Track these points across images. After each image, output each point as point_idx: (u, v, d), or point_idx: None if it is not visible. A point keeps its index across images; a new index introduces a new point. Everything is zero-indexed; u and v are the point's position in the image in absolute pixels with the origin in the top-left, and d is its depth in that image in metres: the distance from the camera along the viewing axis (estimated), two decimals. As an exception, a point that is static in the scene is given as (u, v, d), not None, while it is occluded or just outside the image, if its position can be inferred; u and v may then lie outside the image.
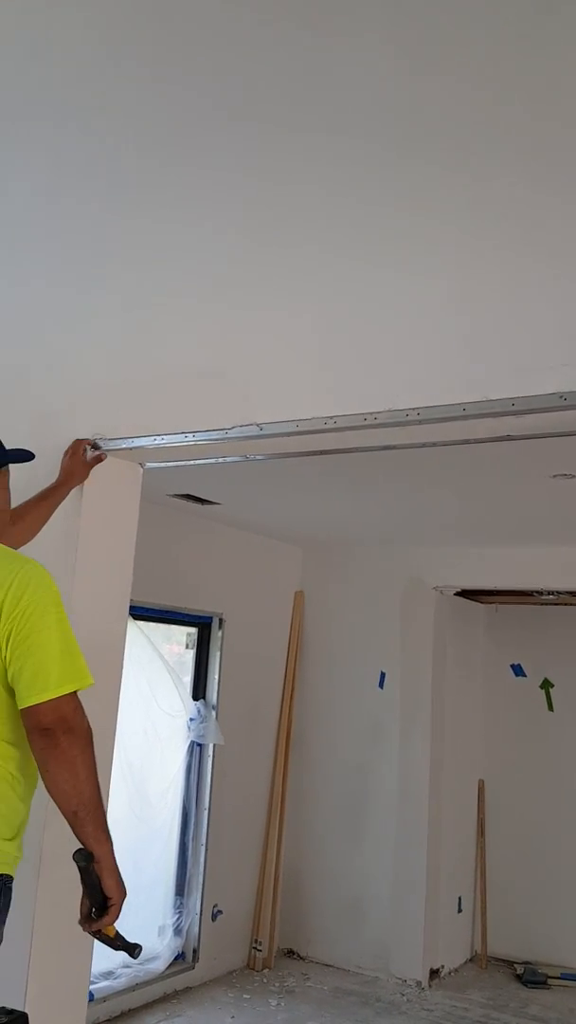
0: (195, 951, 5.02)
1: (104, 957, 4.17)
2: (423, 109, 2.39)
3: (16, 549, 2.27)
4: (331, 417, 2.36)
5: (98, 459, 2.81)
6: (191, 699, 5.12)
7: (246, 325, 2.61)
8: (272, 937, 5.45)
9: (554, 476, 3.41)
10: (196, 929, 5.03)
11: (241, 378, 2.58)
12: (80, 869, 1.93)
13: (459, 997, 5.15)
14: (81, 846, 1.93)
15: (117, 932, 1.98)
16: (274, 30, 2.71)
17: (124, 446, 2.77)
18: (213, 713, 5.15)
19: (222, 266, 2.69)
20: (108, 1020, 4.44)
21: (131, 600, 2.98)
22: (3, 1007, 1.94)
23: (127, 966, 4.56)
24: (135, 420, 2.76)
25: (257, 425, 2.49)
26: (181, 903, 5.02)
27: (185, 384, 2.70)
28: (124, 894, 1.95)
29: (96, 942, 2.05)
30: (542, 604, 5.76)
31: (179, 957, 4.98)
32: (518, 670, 6.10)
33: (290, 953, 5.62)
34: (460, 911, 5.78)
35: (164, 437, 2.67)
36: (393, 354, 2.33)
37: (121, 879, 1.95)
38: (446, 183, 2.31)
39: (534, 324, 2.13)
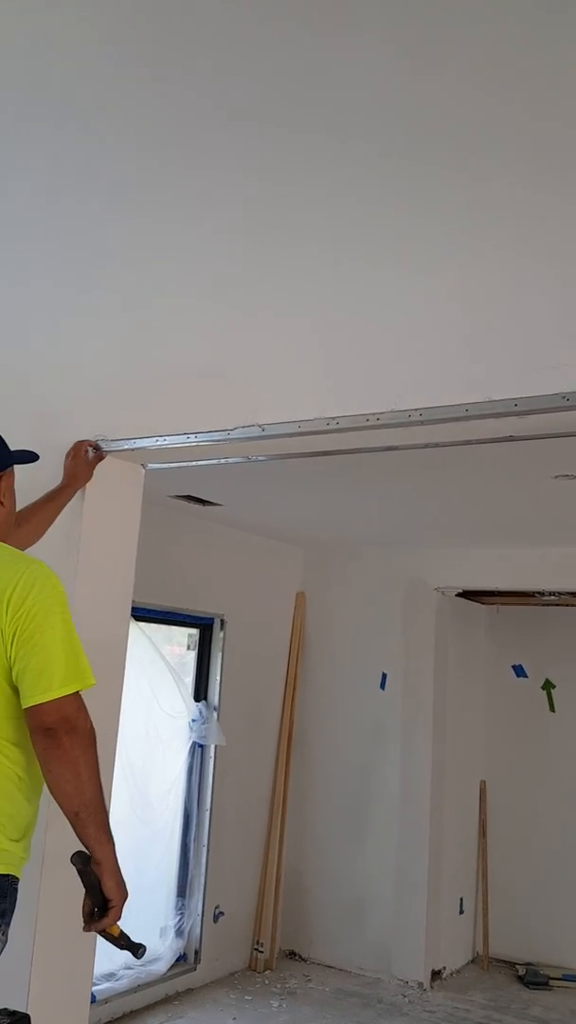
0: (197, 952, 5.01)
1: (106, 958, 4.18)
2: (423, 109, 2.39)
3: (22, 551, 2.27)
4: (333, 418, 2.36)
5: (99, 458, 2.81)
6: (193, 700, 5.11)
7: (247, 325, 2.60)
8: (274, 938, 5.44)
9: (556, 477, 3.40)
10: (198, 930, 5.03)
11: (243, 379, 2.58)
12: (78, 872, 1.93)
13: (461, 998, 5.15)
14: (79, 848, 1.93)
15: (122, 931, 1.99)
16: (274, 30, 2.71)
17: (126, 447, 2.76)
18: (215, 714, 5.15)
19: (222, 266, 2.69)
20: (110, 1021, 4.43)
21: (133, 601, 2.98)
22: (5, 1008, 1.94)
23: (129, 967, 4.56)
24: (136, 421, 2.76)
25: (259, 426, 2.48)
26: (183, 904, 5.02)
27: (186, 385, 2.70)
28: (125, 895, 1.95)
29: (100, 940, 2.06)
30: (543, 605, 5.76)
31: (181, 958, 4.98)
32: (519, 671, 6.10)
33: (292, 954, 5.62)
34: (462, 912, 5.78)
35: (166, 438, 2.67)
36: (395, 355, 2.32)
37: (122, 880, 1.95)
38: (446, 183, 2.31)
39: (536, 324, 2.13)
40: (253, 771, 5.51)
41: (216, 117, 2.77)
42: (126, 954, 2.03)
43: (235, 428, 2.53)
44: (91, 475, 2.80)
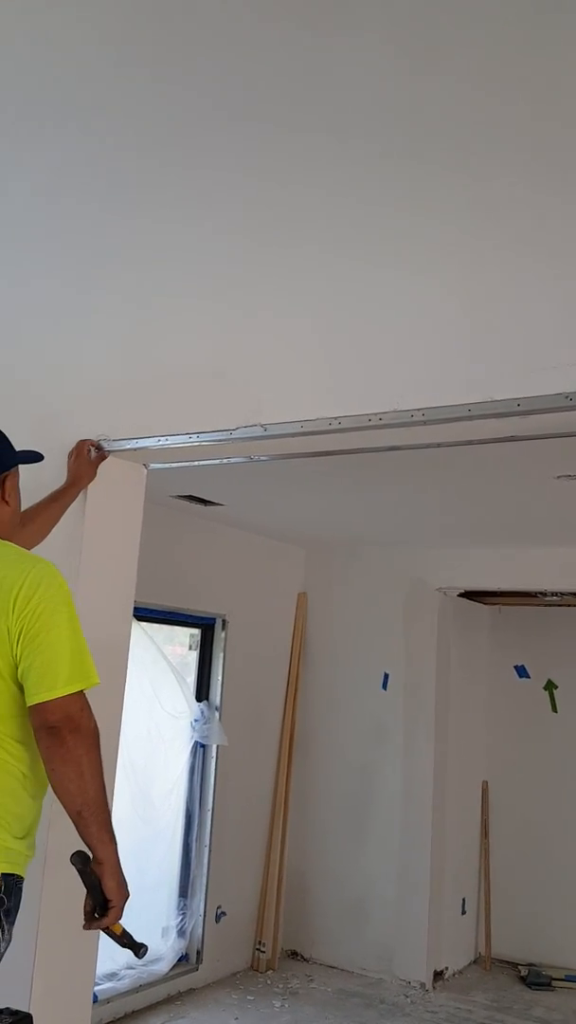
0: (199, 952, 5.02)
1: (108, 958, 4.18)
2: (423, 109, 2.39)
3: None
4: (336, 418, 2.36)
5: (102, 458, 2.81)
6: (194, 700, 5.11)
7: (248, 325, 2.60)
8: (276, 938, 5.44)
9: (558, 477, 3.40)
10: (200, 930, 5.03)
11: (245, 379, 2.58)
12: (78, 871, 1.93)
13: (463, 999, 5.14)
14: (79, 848, 1.93)
15: (124, 930, 2.00)
16: (274, 30, 2.71)
17: (128, 447, 2.76)
18: (216, 714, 5.15)
19: (223, 266, 2.69)
20: (112, 1022, 4.43)
21: (135, 601, 2.98)
22: (8, 1008, 1.95)
23: (131, 967, 4.57)
24: (139, 421, 2.76)
25: (261, 426, 2.48)
26: (185, 904, 5.02)
27: (188, 385, 2.70)
28: (126, 896, 1.95)
29: (102, 940, 2.06)
30: (546, 605, 5.76)
31: (183, 959, 4.98)
32: (522, 671, 6.09)
33: (294, 954, 5.62)
34: (464, 913, 5.77)
35: (168, 438, 2.67)
36: (398, 355, 2.32)
37: (123, 880, 1.95)
38: (446, 183, 2.31)
39: (539, 324, 2.13)
40: (255, 771, 5.51)
41: (216, 117, 2.77)
42: (128, 954, 2.04)
43: (237, 428, 2.53)
44: (95, 475, 2.80)
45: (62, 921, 2.50)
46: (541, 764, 5.91)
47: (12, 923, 1.92)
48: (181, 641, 5.30)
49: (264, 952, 5.37)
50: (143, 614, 4.64)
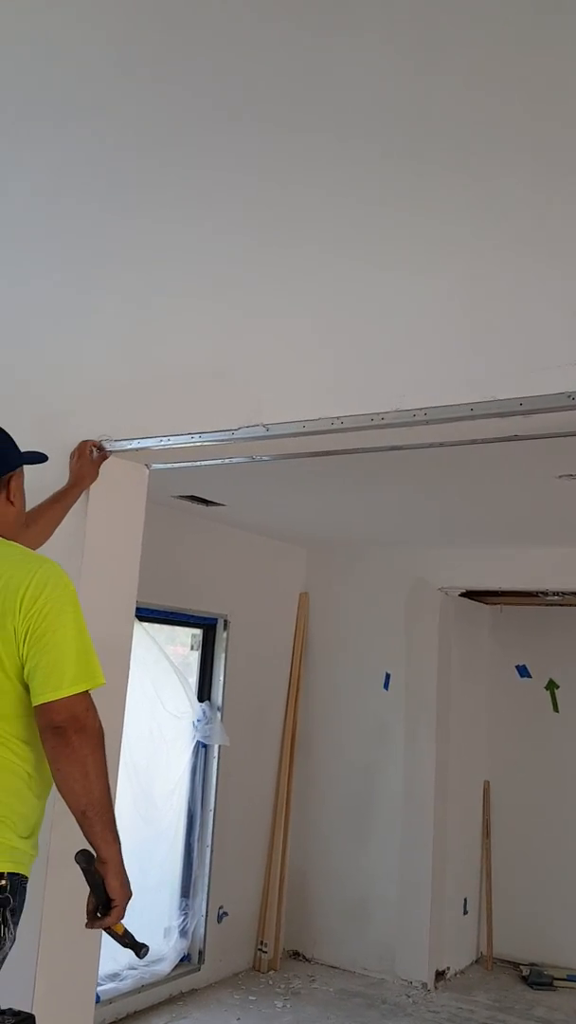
0: (201, 953, 5.02)
1: (110, 959, 4.18)
2: (424, 109, 2.38)
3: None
4: (338, 418, 2.35)
5: (103, 458, 2.81)
6: (196, 700, 5.11)
7: (248, 325, 2.60)
8: (277, 939, 5.44)
9: (559, 477, 3.40)
10: (202, 931, 5.03)
11: (247, 379, 2.57)
12: (82, 870, 1.93)
13: (465, 999, 5.14)
14: (83, 847, 1.93)
15: (126, 929, 2.00)
16: (274, 30, 2.71)
17: (130, 447, 2.76)
18: (218, 714, 5.15)
19: (223, 266, 2.69)
20: (114, 1022, 4.43)
21: (136, 602, 2.98)
22: (10, 1008, 1.95)
23: (133, 968, 4.57)
24: (140, 421, 2.76)
25: (263, 426, 2.48)
26: (187, 905, 5.02)
27: (189, 385, 2.70)
28: (129, 895, 1.96)
29: (105, 940, 2.06)
30: (547, 605, 5.75)
31: (185, 959, 4.98)
32: (523, 671, 6.09)
33: (295, 955, 5.62)
34: (466, 912, 5.77)
35: (170, 438, 2.67)
36: (400, 354, 2.32)
37: (126, 880, 1.95)
38: (446, 183, 2.31)
39: (541, 324, 2.12)
40: (257, 771, 5.51)
41: (216, 117, 2.77)
42: (130, 954, 2.04)
43: (239, 428, 2.53)
44: (97, 475, 2.81)
45: (65, 921, 2.50)
46: (543, 764, 5.91)
47: (17, 923, 1.93)
48: (183, 641, 5.30)
49: (266, 952, 5.37)
50: (145, 614, 4.64)
